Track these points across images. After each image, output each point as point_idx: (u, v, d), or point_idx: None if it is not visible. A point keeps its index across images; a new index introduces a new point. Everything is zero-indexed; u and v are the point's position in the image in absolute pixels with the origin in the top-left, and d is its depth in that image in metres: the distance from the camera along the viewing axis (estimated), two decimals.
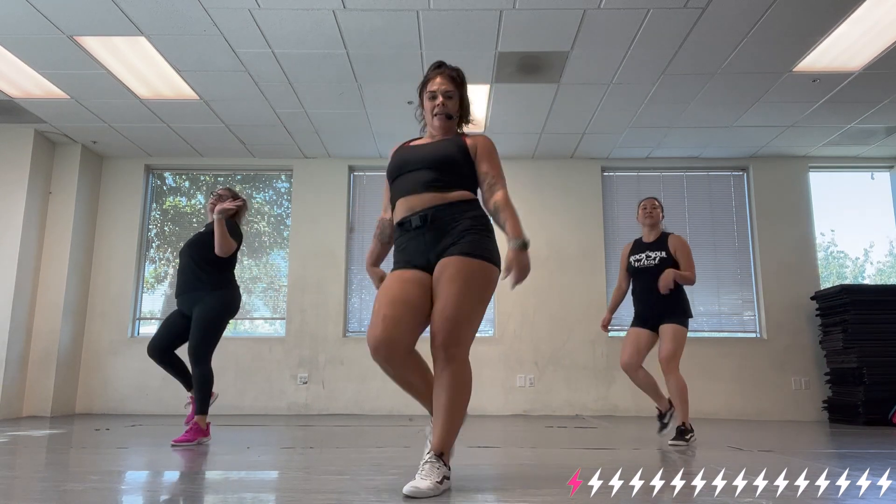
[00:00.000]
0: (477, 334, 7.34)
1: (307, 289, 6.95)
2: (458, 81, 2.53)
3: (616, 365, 6.79)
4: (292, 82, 5.45)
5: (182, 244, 4.08)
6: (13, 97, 5.70)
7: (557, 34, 4.68)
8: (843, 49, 4.85)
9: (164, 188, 7.50)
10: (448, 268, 2.22)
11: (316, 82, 5.45)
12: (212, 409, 6.71)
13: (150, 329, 7.21)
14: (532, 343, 6.88)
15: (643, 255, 4.16)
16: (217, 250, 3.83)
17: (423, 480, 2.10)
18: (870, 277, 9.22)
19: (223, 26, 4.58)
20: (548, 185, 7.18)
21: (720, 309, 7.02)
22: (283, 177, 7.49)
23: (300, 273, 7.00)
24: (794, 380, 6.74)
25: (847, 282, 7.60)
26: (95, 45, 4.83)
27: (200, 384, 3.80)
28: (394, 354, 2.19)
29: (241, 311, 3.98)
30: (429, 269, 2.31)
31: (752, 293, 7.04)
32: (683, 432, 3.89)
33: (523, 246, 2.23)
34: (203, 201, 7.51)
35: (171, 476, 2.55)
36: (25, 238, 6.33)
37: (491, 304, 7.07)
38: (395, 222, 2.42)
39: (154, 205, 7.40)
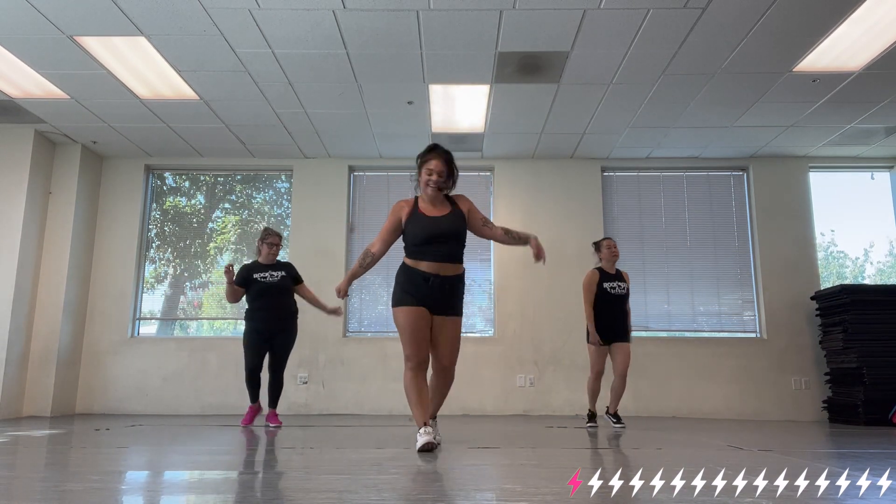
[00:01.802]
0: (477, 334, 7.35)
1: None
2: (449, 161, 3.49)
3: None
4: (292, 82, 5.45)
5: (265, 283, 5.12)
6: (13, 97, 5.71)
7: (557, 34, 4.68)
8: (843, 49, 4.86)
9: (164, 188, 7.50)
10: (449, 323, 3.47)
11: (316, 82, 5.45)
12: (212, 409, 6.72)
13: (149, 329, 7.22)
14: (532, 343, 6.88)
15: (615, 284, 5.12)
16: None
17: (437, 436, 3.47)
18: (870, 277, 9.22)
19: (223, 26, 4.58)
20: (548, 185, 7.18)
21: (720, 309, 7.02)
22: (283, 177, 7.49)
23: (300, 273, 6.99)
24: (794, 380, 6.74)
25: (847, 282, 7.61)
26: (95, 45, 4.83)
27: (281, 389, 5.26)
28: (424, 365, 3.47)
29: (240, 311, 5.43)
30: (430, 309, 3.43)
31: (752, 293, 7.04)
32: (593, 416, 5.21)
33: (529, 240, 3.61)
34: (203, 201, 7.52)
35: (171, 476, 2.55)
36: (25, 238, 6.34)
37: (491, 305, 7.08)
38: (412, 267, 3.42)
39: (154, 205, 7.40)
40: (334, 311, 5.26)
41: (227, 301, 5.19)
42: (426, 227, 3.40)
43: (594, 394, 5.20)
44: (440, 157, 3.45)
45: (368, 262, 3.54)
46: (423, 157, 3.48)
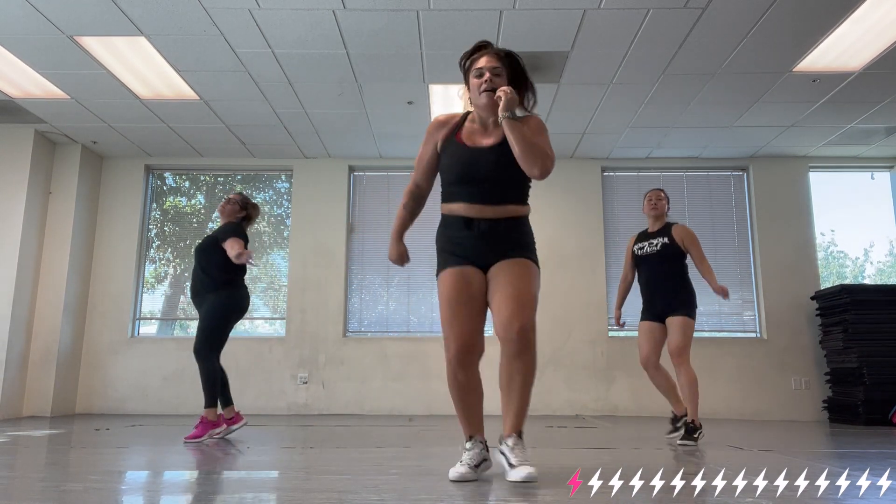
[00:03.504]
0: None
1: (307, 289, 6.95)
2: (506, 60, 2.50)
3: (616, 365, 6.79)
4: (292, 82, 5.45)
5: (194, 249, 4.25)
6: (13, 97, 5.70)
7: (557, 34, 4.67)
8: (843, 49, 4.85)
9: (164, 188, 7.50)
10: (507, 267, 2.45)
11: (316, 82, 5.45)
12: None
13: (150, 329, 7.22)
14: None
15: (646, 243, 4.20)
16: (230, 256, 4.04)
17: (529, 466, 2.32)
18: (870, 277, 9.22)
19: (223, 26, 4.58)
20: (548, 185, 7.18)
21: (720, 309, 7.02)
22: (283, 177, 7.49)
23: (300, 273, 7.00)
24: (794, 380, 6.74)
25: (847, 282, 7.60)
26: (95, 45, 4.83)
27: (204, 378, 4.03)
28: (470, 352, 2.47)
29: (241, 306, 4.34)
30: (481, 264, 2.49)
31: (752, 293, 7.04)
32: (692, 430, 3.84)
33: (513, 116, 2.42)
34: (203, 201, 7.51)
35: (171, 476, 2.55)
36: (25, 238, 6.33)
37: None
38: (448, 215, 2.53)
39: (154, 205, 7.40)
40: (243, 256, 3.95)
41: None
42: (459, 160, 2.48)
43: (664, 391, 4.11)
44: (494, 53, 2.49)
45: (413, 203, 2.67)
46: (470, 56, 2.54)
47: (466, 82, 2.55)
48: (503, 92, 2.37)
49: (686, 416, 3.96)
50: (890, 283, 7.93)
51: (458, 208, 2.47)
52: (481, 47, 2.54)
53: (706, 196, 7.24)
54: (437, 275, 2.55)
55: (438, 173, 2.61)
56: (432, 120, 2.59)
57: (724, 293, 4.05)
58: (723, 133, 6.51)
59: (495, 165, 2.43)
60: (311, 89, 5.58)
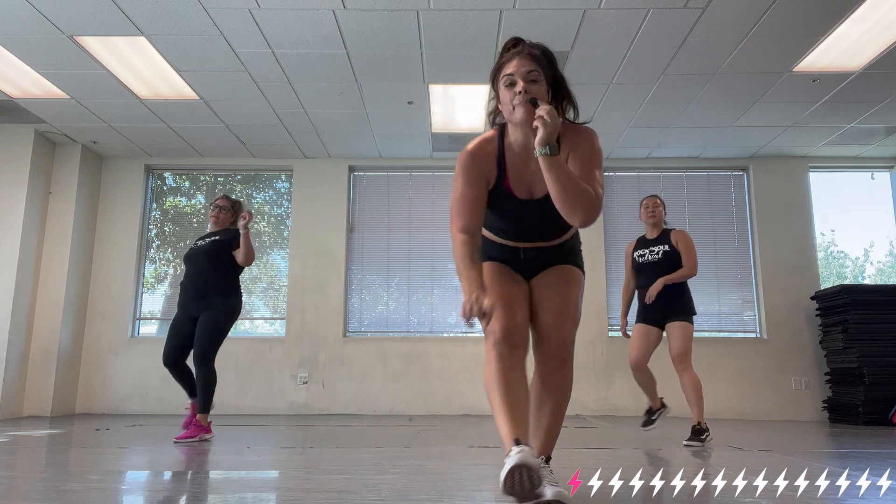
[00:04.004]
0: (476, 334, 7.34)
1: (307, 289, 6.95)
2: (543, 60, 2.02)
3: (616, 365, 6.79)
4: (292, 82, 5.45)
5: (189, 251, 4.21)
6: (13, 97, 5.70)
7: (557, 34, 4.67)
8: (843, 49, 4.85)
9: (164, 188, 7.50)
10: (554, 274, 2.16)
11: (316, 82, 5.45)
12: (212, 409, 6.69)
13: (150, 329, 7.21)
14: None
15: (646, 251, 4.20)
16: (243, 260, 4.04)
17: (557, 486, 1.85)
18: (870, 277, 9.21)
19: (223, 26, 4.58)
20: None
21: (720, 309, 7.02)
22: (283, 177, 7.49)
23: (300, 273, 7.00)
24: (794, 380, 6.74)
25: (847, 282, 7.60)
26: (95, 45, 4.83)
27: (206, 384, 3.97)
28: (518, 341, 2.01)
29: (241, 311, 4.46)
30: (526, 274, 2.21)
31: (752, 293, 7.04)
32: (699, 432, 3.87)
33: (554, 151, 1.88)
34: (203, 201, 7.51)
35: (172, 476, 2.55)
36: (25, 238, 6.33)
37: None
38: (492, 240, 2.21)
39: (154, 205, 7.40)
40: (244, 219, 3.95)
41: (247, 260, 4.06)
42: (508, 213, 2.10)
43: (644, 386, 4.17)
44: (527, 54, 2.00)
45: (473, 250, 2.03)
46: (500, 60, 2.05)
47: (496, 92, 2.05)
48: (540, 120, 1.82)
49: (662, 409, 4.15)
50: (890, 283, 7.92)
51: (503, 241, 2.19)
52: (510, 47, 2.06)
53: (706, 196, 7.24)
54: None
55: None
56: (467, 155, 2.05)
57: (650, 297, 4.06)
58: (723, 133, 6.51)
59: (547, 216, 2.07)
60: (311, 89, 5.58)
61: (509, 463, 1.68)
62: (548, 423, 2.08)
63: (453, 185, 2.08)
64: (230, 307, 4.08)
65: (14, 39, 4.74)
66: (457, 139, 6.71)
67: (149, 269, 7.29)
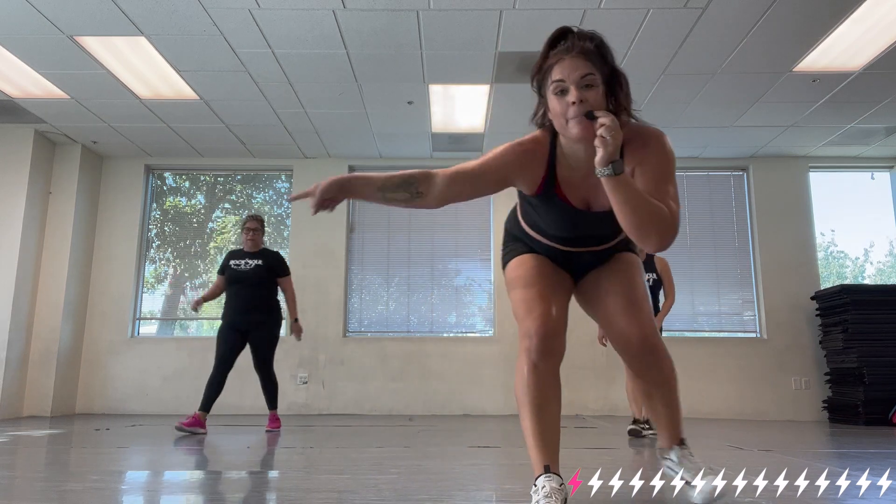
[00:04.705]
0: (476, 334, 7.34)
1: (307, 289, 6.95)
2: (597, 57, 1.71)
3: (616, 365, 6.79)
4: (292, 82, 5.45)
5: (233, 273, 4.72)
6: (13, 97, 5.70)
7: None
8: (843, 49, 4.85)
9: (164, 188, 7.50)
10: (613, 266, 1.95)
11: (316, 82, 5.45)
12: (213, 409, 6.69)
13: (150, 329, 7.21)
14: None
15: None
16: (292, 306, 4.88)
17: (711, 476, 1.81)
18: (870, 277, 9.21)
19: (223, 26, 4.58)
20: None
21: (720, 309, 7.02)
22: (283, 177, 7.49)
23: (300, 273, 6.99)
24: (794, 380, 6.74)
25: (847, 282, 7.60)
26: (95, 45, 4.83)
27: (273, 386, 4.77)
28: (554, 347, 1.81)
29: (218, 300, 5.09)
30: (573, 272, 2.02)
31: (752, 293, 7.04)
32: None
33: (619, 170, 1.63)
34: (203, 201, 7.51)
35: (171, 476, 2.55)
36: (25, 238, 6.33)
37: (491, 304, 7.07)
38: (535, 238, 1.98)
39: (154, 205, 7.40)
40: (295, 329, 4.79)
41: (209, 299, 4.80)
42: (563, 220, 1.87)
43: (635, 395, 4.42)
44: (579, 52, 1.68)
45: (404, 195, 1.82)
46: (547, 60, 1.76)
47: (541, 97, 1.79)
48: (601, 140, 1.57)
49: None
50: (890, 283, 7.92)
51: (552, 244, 1.96)
52: (558, 38, 1.74)
53: (706, 196, 7.24)
54: (504, 265, 2.03)
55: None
56: (512, 148, 1.82)
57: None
58: (723, 133, 6.51)
59: (611, 227, 1.86)
60: (311, 89, 5.58)
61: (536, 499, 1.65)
62: (666, 415, 1.91)
63: (484, 156, 1.85)
64: (278, 320, 4.76)
65: (14, 39, 4.74)
66: (457, 139, 6.71)
67: (149, 269, 7.29)
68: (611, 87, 1.74)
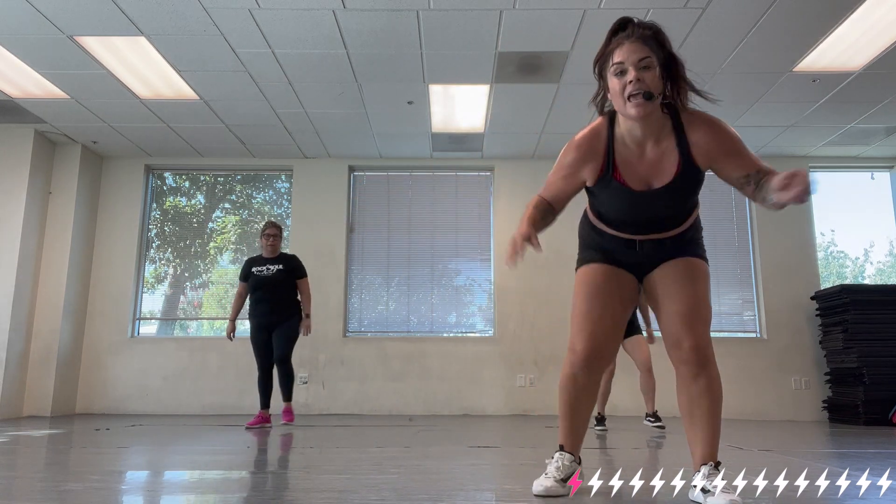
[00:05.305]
0: (476, 334, 7.35)
1: None
2: (656, 41, 1.86)
3: (616, 365, 6.78)
4: (292, 82, 5.45)
5: (256, 279, 5.11)
6: (13, 97, 5.70)
7: (557, 34, 4.67)
8: (843, 49, 4.85)
9: (164, 188, 7.50)
10: (679, 266, 2.05)
11: (316, 82, 5.45)
12: (212, 409, 6.71)
13: (150, 329, 7.22)
14: (532, 343, 6.87)
15: None
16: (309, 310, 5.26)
17: (729, 493, 1.82)
18: (870, 277, 9.21)
19: (223, 26, 4.58)
20: None
21: (720, 309, 7.02)
22: (283, 177, 7.49)
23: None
24: (794, 380, 6.74)
25: (847, 282, 7.60)
26: (95, 45, 4.83)
27: (289, 378, 5.09)
28: (598, 361, 2.06)
29: (241, 311, 5.30)
30: (638, 272, 2.12)
31: (752, 293, 7.04)
32: (659, 418, 4.78)
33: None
34: (203, 201, 7.52)
35: (172, 476, 2.55)
36: (25, 238, 6.33)
37: (491, 305, 7.07)
38: (604, 231, 2.11)
39: (154, 205, 7.40)
40: (304, 325, 5.14)
41: (239, 311, 5.24)
42: (622, 204, 2.00)
43: (605, 395, 4.92)
44: (638, 38, 1.84)
45: (547, 216, 2.10)
46: (608, 47, 1.89)
47: (601, 81, 1.93)
48: (798, 196, 1.69)
49: (647, 415, 4.88)
50: (890, 283, 7.92)
51: (617, 233, 2.08)
52: (617, 29, 1.88)
53: (706, 196, 7.23)
54: (577, 268, 2.17)
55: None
56: (575, 144, 2.00)
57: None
58: None
59: (672, 206, 1.99)
60: (311, 89, 5.58)
61: (538, 485, 2.05)
62: (703, 429, 1.95)
63: (555, 166, 2.07)
64: (297, 316, 5.13)
65: (14, 39, 4.74)
66: (457, 139, 6.71)
67: (149, 269, 7.29)
68: (668, 70, 1.89)
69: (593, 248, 2.14)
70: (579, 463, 2.17)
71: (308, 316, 5.16)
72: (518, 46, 4.85)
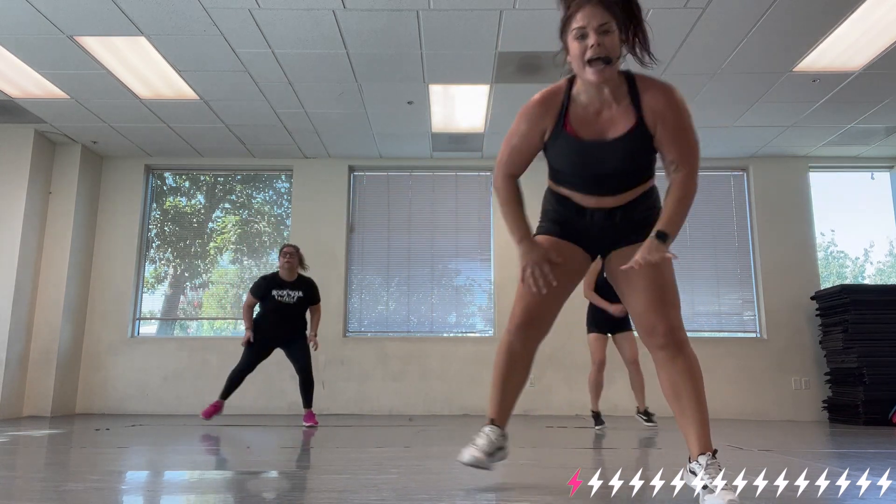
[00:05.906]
0: (476, 334, 7.35)
1: None
2: (615, 6, 1.85)
3: (616, 365, 6.78)
4: (292, 82, 5.45)
5: (276, 303, 5.27)
6: (13, 97, 5.70)
7: (557, 34, 4.67)
8: (843, 49, 4.85)
9: (164, 188, 7.50)
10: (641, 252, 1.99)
11: (316, 82, 5.45)
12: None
13: (149, 329, 7.22)
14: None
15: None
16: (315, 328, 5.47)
17: (730, 492, 1.80)
18: (870, 277, 9.21)
19: (223, 26, 4.58)
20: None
21: (720, 309, 7.02)
22: (283, 177, 7.49)
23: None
24: (794, 380, 6.74)
25: (847, 282, 7.60)
26: (95, 45, 4.83)
27: (311, 387, 5.26)
28: (531, 332, 2.20)
29: (241, 311, 5.63)
30: (593, 249, 2.16)
31: (752, 293, 7.04)
32: (650, 415, 5.08)
33: (662, 238, 1.92)
34: (203, 201, 7.52)
35: (172, 476, 2.55)
36: (25, 238, 6.33)
37: (491, 304, 7.07)
38: (558, 193, 2.15)
39: (154, 205, 7.40)
40: (314, 343, 5.36)
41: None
42: (572, 156, 2.01)
43: (597, 389, 4.95)
44: (597, 3, 1.85)
45: (517, 195, 2.17)
46: (568, 12, 1.93)
47: (564, 44, 1.96)
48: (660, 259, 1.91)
49: (637, 411, 5.14)
50: (890, 283, 7.92)
51: (569, 194, 2.10)
52: None
53: (706, 196, 7.23)
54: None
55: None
56: (533, 100, 2.04)
57: (622, 312, 4.95)
58: (723, 133, 6.51)
59: (622, 160, 1.96)
60: (311, 89, 5.58)
61: (466, 454, 2.19)
62: (693, 413, 1.95)
63: (510, 132, 2.09)
64: (304, 330, 5.38)
65: (14, 39, 4.74)
66: (457, 139, 6.71)
67: (149, 269, 7.30)
68: (628, 15, 1.89)
69: (549, 219, 2.19)
70: (506, 440, 2.27)
71: (315, 335, 5.38)
72: (518, 46, 4.85)
